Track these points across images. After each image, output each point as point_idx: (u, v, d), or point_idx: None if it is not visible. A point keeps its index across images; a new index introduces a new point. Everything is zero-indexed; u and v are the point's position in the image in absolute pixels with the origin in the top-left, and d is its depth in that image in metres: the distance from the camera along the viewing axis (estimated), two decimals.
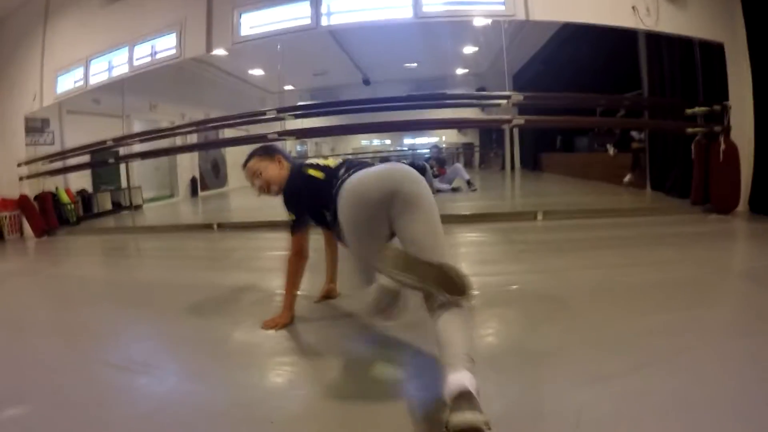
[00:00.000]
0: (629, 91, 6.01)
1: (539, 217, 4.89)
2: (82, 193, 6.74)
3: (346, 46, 6.82)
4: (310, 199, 1.89)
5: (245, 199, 7.91)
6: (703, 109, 4.81)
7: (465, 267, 1.88)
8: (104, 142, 5.80)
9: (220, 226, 5.54)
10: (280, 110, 5.38)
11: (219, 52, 6.36)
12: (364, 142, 10.64)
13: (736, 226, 4.34)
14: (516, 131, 7.40)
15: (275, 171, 2.07)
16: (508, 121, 5.14)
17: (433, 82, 7.96)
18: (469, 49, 7.39)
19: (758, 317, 1.81)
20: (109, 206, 7.03)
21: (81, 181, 6.78)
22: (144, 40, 5.82)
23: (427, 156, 8.44)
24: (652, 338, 1.63)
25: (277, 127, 5.35)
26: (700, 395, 1.19)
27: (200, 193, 7.94)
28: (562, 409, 1.17)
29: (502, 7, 5.18)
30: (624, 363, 1.42)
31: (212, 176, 8.28)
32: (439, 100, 5.62)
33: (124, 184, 7.06)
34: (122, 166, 6.84)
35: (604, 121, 5.87)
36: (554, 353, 1.57)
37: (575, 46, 5.91)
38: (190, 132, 6.16)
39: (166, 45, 5.74)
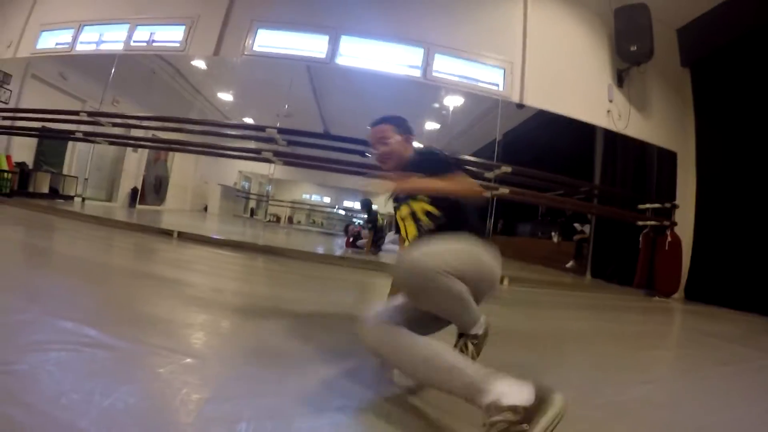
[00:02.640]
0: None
1: (506, 282, 5.17)
2: (21, 166, 5.84)
3: (319, 95, 6.89)
4: None
5: (187, 219, 7.40)
6: (655, 205, 5.65)
7: None
8: (77, 112, 5.19)
9: (181, 234, 5.07)
10: (280, 131, 5.27)
11: (198, 64, 6.26)
12: (305, 196, 10.58)
13: (677, 306, 4.99)
14: None
15: (402, 147, 1.91)
16: (494, 189, 5.51)
17: None
18: (431, 125, 7.74)
19: (702, 362, 2.36)
20: (46, 188, 6.10)
21: (23, 154, 5.92)
22: (147, 24, 5.56)
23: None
24: (658, 364, 2.24)
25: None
26: (683, 391, 1.71)
27: (138, 206, 7.23)
28: (627, 398, 1.50)
29: (501, 89, 5.83)
30: (651, 376, 1.91)
31: (153, 191, 7.64)
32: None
33: (67, 170, 6.25)
34: (71, 150, 6.10)
35: (575, 203, 6.36)
36: (601, 365, 1.94)
37: (542, 133, 6.56)
38: (164, 129, 5.72)
39: (168, 37, 5.53)
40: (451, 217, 1.58)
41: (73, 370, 1.07)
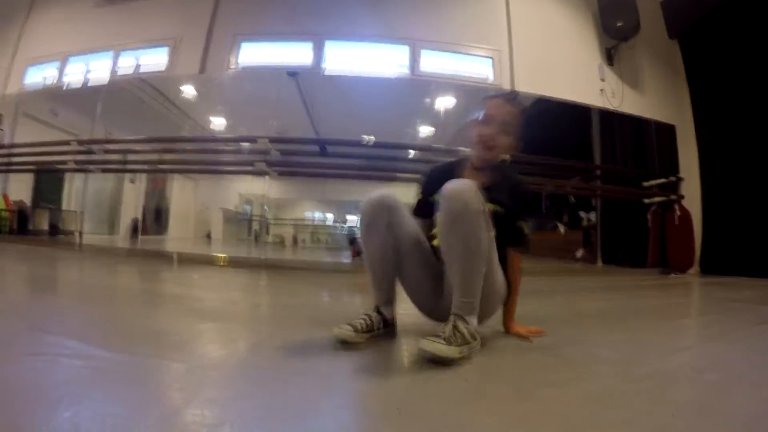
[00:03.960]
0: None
1: None
2: (19, 205, 5.86)
3: (309, 105, 6.80)
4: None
5: (190, 245, 7.36)
6: (660, 180, 5.53)
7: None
8: (67, 142, 5.20)
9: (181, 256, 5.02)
10: (272, 140, 5.19)
11: (187, 89, 6.23)
12: (307, 214, 10.48)
13: (695, 280, 4.87)
14: None
15: (509, 141, 1.68)
16: None
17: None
18: (426, 130, 7.64)
19: (733, 325, 2.24)
20: (46, 226, 6.14)
21: (20, 193, 5.96)
22: (132, 50, 5.59)
23: None
24: (690, 331, 2.19)
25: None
26: (722, 353, 1.61)
27: (140, 237, 7.22)
28: (670, 366, 1.41)
29: (491, 79, 5.76)
30: (685, 343, 1.85)
31: (154, 221, 7.62)
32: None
33: (65, 205, 6.30)
34: (69, 186, 6.14)
35: (578, 185, 6.27)
36: (633, 338, 1.84)
37: (537, 124, 6.41)
38: (157, 151, 5.71)
39: (153, 61, 5.54)
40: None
41: (44, 380, 0.99)
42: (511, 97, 1.71)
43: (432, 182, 1.67)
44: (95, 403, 0.89)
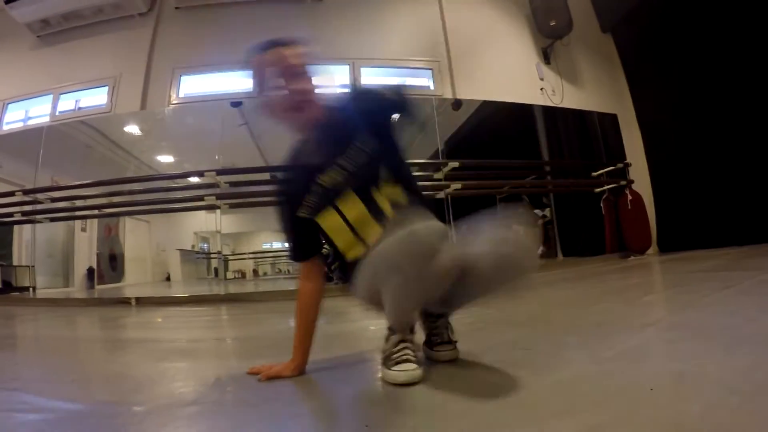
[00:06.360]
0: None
1: None
2: None
3: (257, 138, 6.73)
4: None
5: (148, 288, 7.16)
6: (608, 169, 5.65)
7: None
8: (12, 193, 5.06)
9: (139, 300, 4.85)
10: (219, 172, 5.10)
11: (131, 129, 6.13)
12: (265, 245, 10.35)
13: (654, 259, 4.94)
14: None
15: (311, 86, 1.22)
16: (446, 187, 5.33)
17: None
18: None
19: (699, 293, 2.24)
20: None
21: None
22: (70, 91, 5.57)
23: None
24: (655, 306, 2.18)
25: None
26: (691, 321, 1.57)
27: (97, 286, 6.96)
28: (638, 342, 1.39)
29: (432, 87, 5.86)
30: (653, 318, 1.81)
31: (110, 268, 7.38)
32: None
33: (17, 260, 6.07)
34: (18, 239, 5.96)
35: (532, 184, 6.20)
36: (600, 321, 1.84)
37: (484, 129, 6.50)
38: (104, 195, 5.57)
39: (94, 101, 5.51)
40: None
41: None
42: (280, 39, 1.20)
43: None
44: None
